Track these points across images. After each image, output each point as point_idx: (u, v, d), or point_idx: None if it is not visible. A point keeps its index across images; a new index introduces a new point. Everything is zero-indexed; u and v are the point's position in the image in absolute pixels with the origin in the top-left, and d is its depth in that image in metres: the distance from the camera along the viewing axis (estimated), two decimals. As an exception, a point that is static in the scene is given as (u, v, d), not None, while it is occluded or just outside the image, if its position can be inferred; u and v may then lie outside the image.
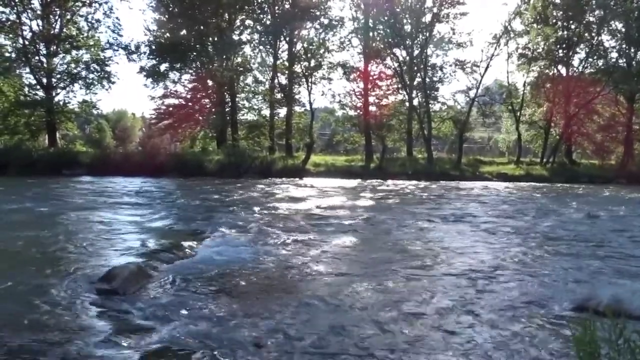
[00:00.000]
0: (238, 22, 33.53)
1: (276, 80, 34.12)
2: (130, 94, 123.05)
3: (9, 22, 28.41)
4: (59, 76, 30.13)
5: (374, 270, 5.19)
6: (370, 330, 3.41)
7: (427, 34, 34.09)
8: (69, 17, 30.36)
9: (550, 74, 36.72)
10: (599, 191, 20.05)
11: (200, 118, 32.79)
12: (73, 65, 30.64)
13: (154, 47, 31.40)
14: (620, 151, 36.01)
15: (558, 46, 35.41)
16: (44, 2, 29.16)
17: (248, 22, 34.03)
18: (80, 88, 31.16)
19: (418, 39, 34.63)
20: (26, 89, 30.26)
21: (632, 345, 2.08)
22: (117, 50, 31.55)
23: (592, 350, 2.14)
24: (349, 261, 5.70)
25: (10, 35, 28.86)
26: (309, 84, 33.07)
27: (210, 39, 31.85)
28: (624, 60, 34.79)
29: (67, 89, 30.66)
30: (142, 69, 31.52)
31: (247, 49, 34.66)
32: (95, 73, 31.06)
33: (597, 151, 37.18)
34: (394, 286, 4.56)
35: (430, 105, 35.08)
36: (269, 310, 3.79)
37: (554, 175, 29.04)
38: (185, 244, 6.27)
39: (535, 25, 35.24)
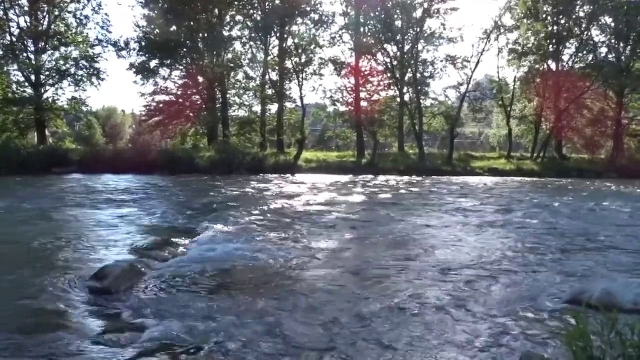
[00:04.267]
0: (228, 18, 33.38)
1: (267, 76, 34.04)
2: (120, 91, 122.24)
3: (-4, 19, 28.10)
4: (47, 73, 29.88)
5: (366, 266, 5.20)
6: (363, 326, 3.41)
7: (418, 29, 34.08)
8: (57, 13, 30.07)
9: (541, 68, 36.88)
10: (590, 185, 20.20)
11: (191, 114, 32.63)
12: (62, 62, 30.38)
13: (143, 43, 31.17)
14: (609, 145, 36.28)
15: (548, 41, 35.56)
16: (31, -2, 28.86)
17: (238, 17, 33.90)
18: (69, 85, 31.01)
19: (409, 34, 34.63)
20: (14, 86, 29.91)
21: (623, 338, 2.09)
22: (106, 46, 31.39)
23: (584, 343, 2.15)
24: (341, 257, 5.70)
25: (-2, 32, 28.55)
26: (300, 80, 33.02)
27: (200, 34, 31.67)
28: (613, 55, 35.00)
29: (56, 85, 30.46)
30: (131, 65, 31.33)
31: (238, 45, 34.57)
32: (84, 70, 30.84)
33: (586, 145, 37.41)
34: (386, 282, 4.57)
35: (421, 100, 35.10)
36: (260, 308, 3.79)
37: (544, 170, 29.20)
38: (177, 241, 6.25)
39: (525, 20, 35.36)
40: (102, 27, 31.92)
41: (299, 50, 33.27)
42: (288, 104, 35.91)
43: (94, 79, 30.91)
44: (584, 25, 34.77)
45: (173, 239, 6.32)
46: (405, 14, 33.89)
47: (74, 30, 30.63)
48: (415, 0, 33.67)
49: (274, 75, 34.44)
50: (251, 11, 33.46)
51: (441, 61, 35.51)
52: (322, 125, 44.91)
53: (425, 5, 33.48)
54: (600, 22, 34.78)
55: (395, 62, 34.84)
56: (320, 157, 30.28)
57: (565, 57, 36.61)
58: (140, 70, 31.43)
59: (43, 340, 3.06)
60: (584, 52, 36.00)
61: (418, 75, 34.65)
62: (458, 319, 3.55)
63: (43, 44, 29.34)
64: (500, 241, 6.78)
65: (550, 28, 35.38)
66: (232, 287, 4.40)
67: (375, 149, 31.54)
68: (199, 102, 32.30)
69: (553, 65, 36.70)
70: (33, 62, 28.92)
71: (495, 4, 57.46)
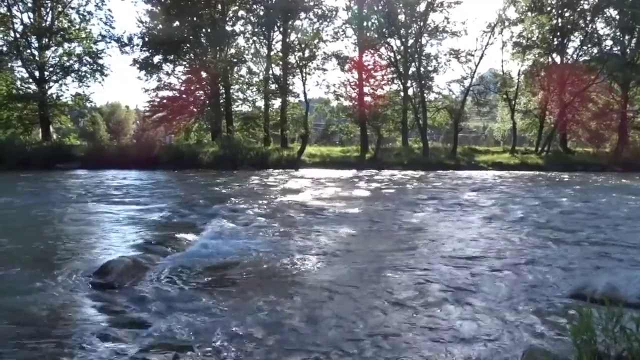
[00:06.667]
0: (231, 13, 33.33)
1: (270, 71, 33.97)
2: (124, 87, 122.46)
3: (0, 15, 28.12)
4: (51, 69, 29.96)
5: (370, 260, 5.19)
6: (367, 320, 3.40)
7: (422, 24, 33.94)
8: (60, 9, 30.11)
9: (545, 62, 36.68)
10: (594, 179, 20.11)
11: (195, 110, 32.65)
12: (65, 58, 30.48)
13: (147, 39, 31.19)
14: (614, 139, 36.09)
15: (552, 34, 35.35)
16: (35, -6, 28.88)
17: (241, 12, 33.86)
18: (73, 81, 31.10)
19: (412, 29, 34.49)
20: (18, 82, 30.06)
21: (627, 332, 2.08)
22: (110, 42, 31.52)
23: (589, 337, 2.14)
24: (346, 252, 5.69)
25: (1, 28, 28.57)
26: (304, 75, 32.93)
27: (204, 30, 31.63)
28: (618, 47, 34.80)
29: (60, 82, 30.53)
30: (135, 61, 31.37)
31: (241, 40, 34.53)
32: (87, 66, 30.93)
33: (591, 139, 37.24)
34: (390, 276, 4.56)
35: (425, 94, 35.01)
36: (264, 303, 3.78)
37: (549, 164, 29.11)
38: (181, 237, 6.25)
39: (529, 13, 35.16)
40: (105, 23, 32.16)
41: (303, 45, 33.18)
42: (291, 99, 35.88)
43: (97, 75, 31.02)
44: (588, 18, 34.57)
45: (177, 235, 6.32)
46: (409, 8, 33.75)
47: (77, 27, 30.65)
48: (419, -7, 33.50)
49: (277, 71, 34.41)
50: (254, 6, 33.41)
51: (445, 55, 35.44)
52: (325, 120, 44.74)
53: (429, -1, 33.32)
54: (605, 15, 34.58)
55: (399, 57, 34.74)
56: (324, 152, 30.28)
57: (569, 51, 36.51)
58: (143, 66, 31.47)
59: (47, 335, 3.07)
60: (589, 45, 35.81)
61: (422, 69, 34.53)
62: (462, 313, 3.55)
63: (47, 40, 29.38)
64: (504, 235, 6.76)
65: (554, 21, 35.19)
66: (236, 282, 4.40)
67: (379, 144, 31.50)
68: (202, 98, 32.31)
69: (558, 59, 36.54)
70: (37, 58, 29.00)
71: (499, -3, 57.18)
